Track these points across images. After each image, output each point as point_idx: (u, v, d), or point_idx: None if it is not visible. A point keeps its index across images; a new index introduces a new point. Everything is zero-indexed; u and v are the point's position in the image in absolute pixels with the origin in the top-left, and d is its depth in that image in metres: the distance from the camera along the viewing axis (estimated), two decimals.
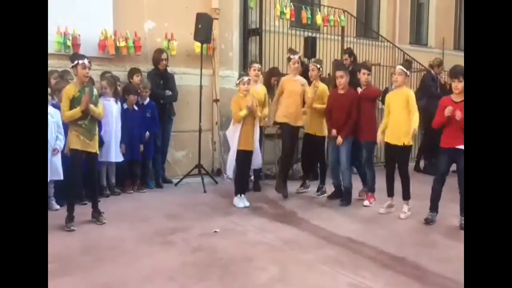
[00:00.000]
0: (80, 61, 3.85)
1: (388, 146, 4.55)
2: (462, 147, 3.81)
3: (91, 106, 3.89)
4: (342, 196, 5.02)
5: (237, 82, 4.81)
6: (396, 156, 4.52)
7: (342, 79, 4.86)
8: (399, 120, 4.40)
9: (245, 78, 4.72)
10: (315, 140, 5.30)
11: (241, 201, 4.74)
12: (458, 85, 3.95)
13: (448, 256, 3.39)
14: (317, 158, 5.47)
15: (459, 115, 3.85)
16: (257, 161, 4.90)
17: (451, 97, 4.11)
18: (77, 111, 3.83)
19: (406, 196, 4.49)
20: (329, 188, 5.28)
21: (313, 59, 6.27)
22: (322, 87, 5.22)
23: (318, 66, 5.26)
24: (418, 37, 10.73)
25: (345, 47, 7.51)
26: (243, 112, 4.61)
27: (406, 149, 4.47)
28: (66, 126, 4.27)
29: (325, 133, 5.20)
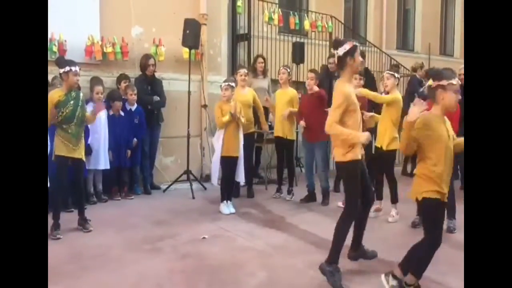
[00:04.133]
0: (73, 68, 3.83)
1: (376, 150, 4.59)
2: None
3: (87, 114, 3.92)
4: (315, 199, 5.18)
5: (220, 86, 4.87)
6: (382, 160, 4.56)
7: (312, 81, 5.04)
8: (383, 124, 4.45)
9: (223, 85, 4.74)
10: (285, 142, 5.38)
11: (226, 208, 4.72)
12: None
13: (435, 258, 3.40)
14: (287, 160, 5.53)
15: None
16: (240, 173, 4.82)
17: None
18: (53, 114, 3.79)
19: (394, 199, 4.53)
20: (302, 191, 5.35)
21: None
22: (291, 92, 5.38)
23: (288, 70, 5.39)
24: (404, 42, 10.89)
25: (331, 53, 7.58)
26: (225, 118, 4.61)
27: (390, 153, 4.52)
28: (52, 132, 4.22)
29: (295, 136, 5.39)
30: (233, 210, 4.73)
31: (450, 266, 3.25)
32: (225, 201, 4.74)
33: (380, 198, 4.67)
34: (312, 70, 5.24)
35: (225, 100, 4.72)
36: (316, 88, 5.06)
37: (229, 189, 4.83)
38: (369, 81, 5.66)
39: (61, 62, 3.96)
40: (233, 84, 4.80)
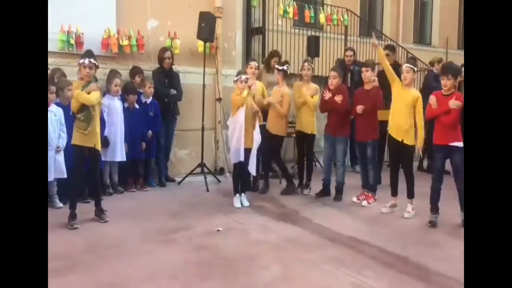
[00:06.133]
0: (81, 61, 3.87)
1: (392, 142, 4.53)
2: (455, 144, 3.96)
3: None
4: (329, 194, 5.13)
5: (235, 79, 4.77)
6: (400, 155, 4.52)
7: (335, 80, 4.93)
8: (402, 119, 4.39)
9: (243, 77, 4.68)
10: (307, 137, 5.31)
11: (238, 201, 4.72)
12: (447, 83, 4.01)
13: (451, 255, 3.38)
14: (308, 155, 5.47)
15: (454, 103, 3.91)
16: (251, 165, 4.74)
17: (441, 91, 4.12)
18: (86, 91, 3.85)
19: (410, 195, 4.49)
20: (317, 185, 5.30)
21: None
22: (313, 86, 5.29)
23: (312, 65, 5.32)
24: (421, 36, 10.70)
25: (348, 46, 7.50)
26: (245, 92, 4.57)
27: (409, 147, 4.47)
28: (68, 124, 4.28)
29: (316, 131, 5.33)
30: (246, 204, 4.74)
31: (450, 257, 3.21)
32: (237, 195, 4.76)
33: (395, 194, 4.63)
34: (335, 70, 5.10)
35: (242, 92, 4.68)
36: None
37: (243, 182, 4.82)
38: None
39: (83, 55, 4.01)
40: (248, 76, 4.79)
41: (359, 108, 4.75)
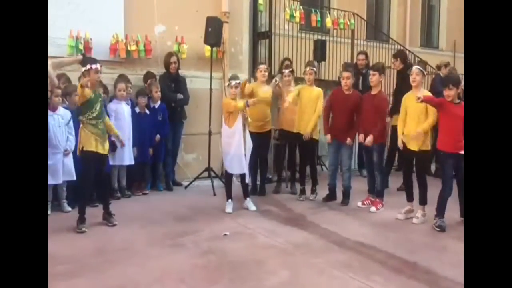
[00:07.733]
0: (94, 66, 3.89)
1: (405, 150, 4.49)
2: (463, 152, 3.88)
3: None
4: (336, 198, 5.14)
5: (226, 84, 4.73)
6: (415, 161, 4.48)
7: (349, 80, 4.88)
8: (416, 125, 4.34)
9: (233, 82, 4.61)
10: (309, 141, 5.20)
11: (229, 207, 4.67)
12: (450, 93, 4.05)
13: (460, 260, 3.33)
14: (310, 159, 5.40)
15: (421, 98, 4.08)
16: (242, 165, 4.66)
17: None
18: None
19: (422, 201, 4.44)
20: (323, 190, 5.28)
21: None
22: (317, 90, 5.24)
23: (315, 69, 5.28)
24: (429, 39, 10.65)
25: (355, 50, 7.49)
26: (240, 104, 4.48)
27: (424, 153, 4.43)
28: (76, 127, 4.31)
29: (318, 135, 5.29)
30: (253, 208, 4.73)
31: (460, 262, 3.17)
32: (230, 200, 4.70)
33: (411, 200, 4.59)
34: (347, 70, 4.98)
35: (234, 98, 4.62)
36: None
37: (244, 187, 4.82)
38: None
39: (83, 60, 4.00)
40: (239, 81, 4.70)
41: (369, 141, 4.71)
